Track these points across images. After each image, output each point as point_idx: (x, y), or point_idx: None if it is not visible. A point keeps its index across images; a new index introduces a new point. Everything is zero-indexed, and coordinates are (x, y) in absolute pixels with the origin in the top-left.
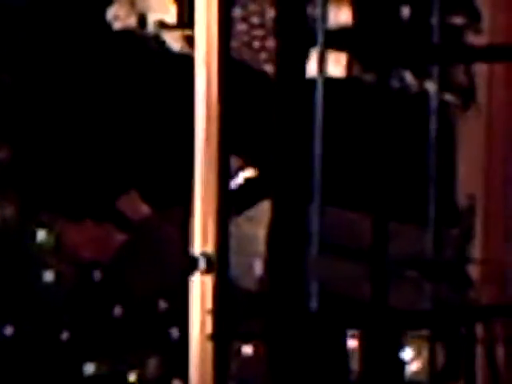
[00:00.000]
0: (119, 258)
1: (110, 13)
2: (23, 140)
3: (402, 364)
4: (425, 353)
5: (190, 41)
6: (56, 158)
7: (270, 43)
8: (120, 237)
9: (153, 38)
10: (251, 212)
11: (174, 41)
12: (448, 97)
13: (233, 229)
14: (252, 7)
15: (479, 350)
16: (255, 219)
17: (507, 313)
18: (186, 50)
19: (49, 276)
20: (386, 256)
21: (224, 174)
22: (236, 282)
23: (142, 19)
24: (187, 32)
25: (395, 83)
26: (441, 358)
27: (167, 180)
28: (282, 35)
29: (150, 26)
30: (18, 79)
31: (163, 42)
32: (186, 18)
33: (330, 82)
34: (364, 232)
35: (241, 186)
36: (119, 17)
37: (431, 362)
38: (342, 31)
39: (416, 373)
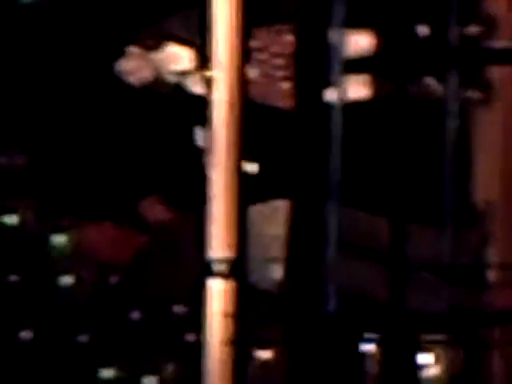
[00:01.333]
0: (137, 261)
1: (123, 66)
2: (41, 144)
3: (419, 368)
4: (443, 358)
5: (208, 82)
6: (75, 161)
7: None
8: (139, 239)
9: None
10: (265, 209)
11: (194, 84)
12: (470, 93)
13: (249, 227)
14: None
15: (496, 354)
16: (271, 218)
17: None
18: (207, 91)
19: (67, 280)
20: (404, 258)
21: (240, 177)
22: (254, 285)
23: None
24: (206, 73)
25: (418, 89)
26: (459, 363)
27: (190, 184)
28: (300, 63)
29: (169, 77)
30: (33, 86)
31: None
32: (201, 62)
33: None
34: (382, 234)
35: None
36: (132, 71)
37: (449, 366)
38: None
39: (434, 377)
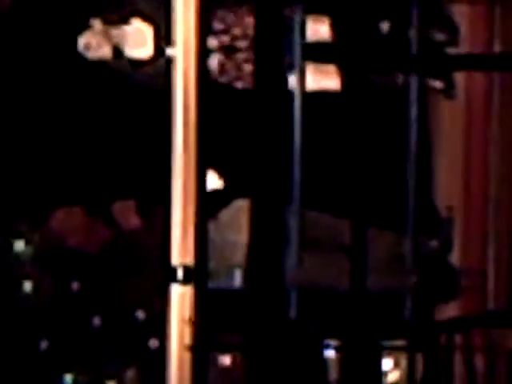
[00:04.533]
0: (102, 258)
1: (82, 41)
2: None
3: (381, 374)
4: (404, 363)
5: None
6: (39, 165)
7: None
8: (107, 233)
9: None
10: (226, 215)
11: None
12: (432, 83)
13: (212, 234)
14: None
15: (458, 360)
16: (234, 224)
17: (486, 322)
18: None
19: (27, 286)
20: (366, 264)
21: (202, 185)
22: (215, 290)
23: (117, 51)
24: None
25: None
26: (420, 368)
27: (159, 186)
28: (259, 48)
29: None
30: None
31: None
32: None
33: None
34: (343, 235)
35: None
36: (91, 46)
37: (410, 372)
38: (321, 44)
39: (395, 383)
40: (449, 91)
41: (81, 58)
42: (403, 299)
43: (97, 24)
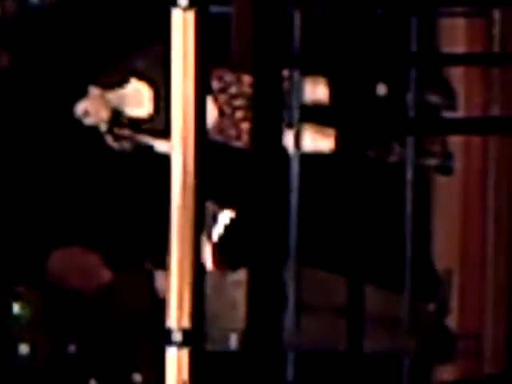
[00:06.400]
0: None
1: (80, 108)
2: None
3: None
4: None
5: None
6: (33, 229)
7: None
8: (106, 274)
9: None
10: (239, 275)
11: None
12: (428, 161)
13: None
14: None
15: None
16: (230, 288)
17: None
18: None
19: (24, 349)
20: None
21: (197, 248)
22: (212, 353)
23: (116, 114)
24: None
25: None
26: None
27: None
28: (257, 108)
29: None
30: None
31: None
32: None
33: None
34: (340, 292)
35: (225, 231)
36: (90, 113)
37: None
38: (318, 107)
39: None
40: (444, 167)
41: (78, 124)
42: (400, 361)
43: (94, 90)
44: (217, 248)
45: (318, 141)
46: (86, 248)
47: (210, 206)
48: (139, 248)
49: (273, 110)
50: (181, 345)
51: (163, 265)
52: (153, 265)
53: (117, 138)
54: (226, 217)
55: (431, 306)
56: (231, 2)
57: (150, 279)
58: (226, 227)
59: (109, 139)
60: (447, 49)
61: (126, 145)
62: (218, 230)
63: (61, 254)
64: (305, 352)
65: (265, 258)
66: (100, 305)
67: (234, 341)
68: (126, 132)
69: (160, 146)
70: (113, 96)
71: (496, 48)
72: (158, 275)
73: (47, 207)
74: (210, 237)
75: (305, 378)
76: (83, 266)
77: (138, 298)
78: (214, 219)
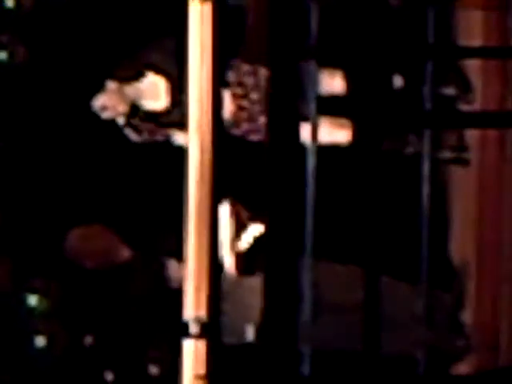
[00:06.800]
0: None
1: (98, 102)
2: (14, 204)
3: None
4: None
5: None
6: (49, 222)
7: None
8: (125, 252)
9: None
10: (252, 281)
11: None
12: (445, 154)
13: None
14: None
15: None
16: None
17: (499, 380)
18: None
19: (40, 341)
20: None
21: (214, 241)
22: (228, 346)
23: (133, 108)
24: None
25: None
26: None
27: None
28: (274, 99)
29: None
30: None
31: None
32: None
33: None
34: (356, 286)
35: (254, 242)
36: (107, 107)
37: None
38: (335, 98)
39: None
40: (460, 160)
41: (95, 118)
42: (416, 355)
43: (111, 84)
44: (242, 257)
45: (334, 133)
46: (105, 226)
47: (242, 212)
48: (154, 235)
49: (289, 102)
50: (197, 337)
51: (176, 254)
52: (166, 253)
53: (137, 130)
54: (257, 229)
55: (447, 298)
56: None
57: (162, 268)
58: (255, 239)
59: (129, 132)
60: (464, 42)
61: (147, 137)
62: (246, 240)
63: (79, 232)
64: (321, 347)
65: (281, 252)
66: (116, 285)
67: (250, 333)
68: (146, 125)
69: (178, 138)
70: (130, 90)
71: None
72: (171, 264)
73: (69, 195)
74: (234, 243)
75: (321, 372)
76: (102, 244)
77: (150, 284)
78: (244, 227)
